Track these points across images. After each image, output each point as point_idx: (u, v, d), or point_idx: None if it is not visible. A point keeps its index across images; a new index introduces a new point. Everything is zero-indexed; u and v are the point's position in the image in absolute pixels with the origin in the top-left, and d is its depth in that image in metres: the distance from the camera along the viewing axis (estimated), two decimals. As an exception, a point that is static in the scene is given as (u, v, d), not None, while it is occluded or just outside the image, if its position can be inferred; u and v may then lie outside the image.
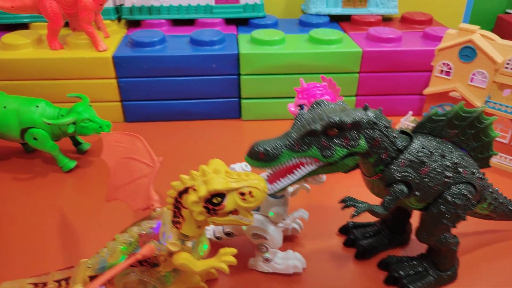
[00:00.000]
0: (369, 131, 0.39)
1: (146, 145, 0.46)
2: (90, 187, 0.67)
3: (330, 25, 0.93)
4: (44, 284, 0.42)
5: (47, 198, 0.64)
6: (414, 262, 0.49)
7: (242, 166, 0.45)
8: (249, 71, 0.80)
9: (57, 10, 0.75)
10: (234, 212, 0.37)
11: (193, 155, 0.75)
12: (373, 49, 0.80)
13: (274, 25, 0.93)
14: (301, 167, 0.39)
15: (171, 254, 0.38)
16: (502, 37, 0.70)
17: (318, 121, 0.38)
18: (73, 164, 0.70)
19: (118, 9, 0.93)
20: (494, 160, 0.69)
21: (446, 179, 0.41)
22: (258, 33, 0.83)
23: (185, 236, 0.38)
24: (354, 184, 0.52)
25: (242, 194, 0.36)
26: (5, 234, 0.57)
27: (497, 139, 0.68)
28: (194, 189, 0.36)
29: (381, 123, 0.39)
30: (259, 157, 0.37)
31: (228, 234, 0.50)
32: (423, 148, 0.41)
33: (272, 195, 0.42)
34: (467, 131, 0.42)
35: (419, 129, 0.43)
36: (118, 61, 0.78)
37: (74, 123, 0.65)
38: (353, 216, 0.40)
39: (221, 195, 0.36)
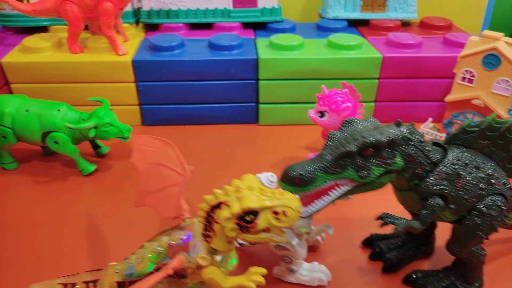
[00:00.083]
0: (404, 148, 0.38)
1: (178, 153, 0.45)
2: (110, 191, 0.67)
3: (348, 30, 0.93)
4: (73, 285, 0.42)
5: (68, 201, 0.65)
6: (440, 275, 0.48)
7: (268, 177, 0.45)
8: (267, 76, 0.80)
9: (78, 14, 0.76)
10: (266, 229, 0.36)
11: (210, 159, 0.75)
12: (393, 55, 0.79)
13: (292, 29, 0.93)
14: (336, 188, 0.38)
15: (199, 267, 0.38)
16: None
17: (352, 141, 0.37)
18: (92, 167, 0.70)
19: (136, 13, 0.93)
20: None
21: (480, 191, 0.41)
22: (277, 38, 0.82)
23: (214, 250, 0.38)
24: (375, 193, 0.51)
25: (276, 213, 0.35)
26: (29, 236, 0.58)
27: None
28: (227, 205, 0.35)
29: (415, 138, 0.39)
30: (294, 182, 0.36)
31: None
32: (458, 160, 0.40)
33: None
34: (497, 141, 0.42)
35: (452, 140, 0.43)
36: (138, 65, 0.78)
37: (95, 127, 0.66)
38: (395, 233, 0.39)
39: (254, 213, 0.35)
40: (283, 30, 0.92)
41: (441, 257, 0.54)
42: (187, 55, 0.80)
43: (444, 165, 0.40)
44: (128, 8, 0.90)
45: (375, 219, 0.41)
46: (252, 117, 0.86)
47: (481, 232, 0.42)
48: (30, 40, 0.80)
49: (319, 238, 0.52)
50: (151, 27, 0.94)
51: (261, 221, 0.35)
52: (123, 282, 0.40)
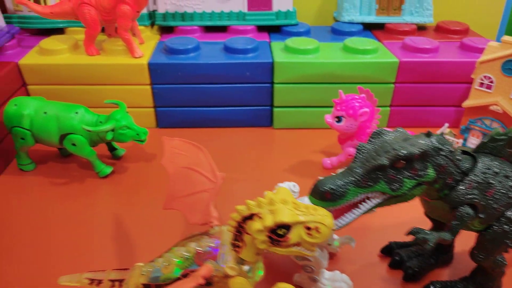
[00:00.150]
0: (436, 158, 0.38)
1: (210, 159, 0.45)
2: (126, 193, 0.67)
3: (363, 34, 0.92)
4: (100, 281, 0.42)
5: (85, 203, 0.65)
6: (459, 286, 0.47)
7: (290, 186, 0.45)
8: (282, 79, 0.80)
9: (95, 16, 0.76)
10: (297, 244, 0.36)
11: (224, 162, 0.75)
12: (410, 60, 0.78)
13: (307, 33, 0.93)
14: (366, 201, 0.38)
15: (227, 276, 0.38)
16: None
17: (383, 154, 0.37)
18: (109, 170, 0.70)
19: (151, 15, 0.93)
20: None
21: (509, 200, 0.40)
22: (292, 42, 0.82)
23: (242, 260, 0.38)
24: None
25: (308, 228, 0.35)
26: (47, 236, 0.58)
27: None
28: (260, 217, 0.35)
29: (446, 148, 0.38)
30: (325, 197, 0.36)
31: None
32: (488, 169, 0.40)
33: None
34: None
35: (481, 149, 0.42)
36: (153, 68, 0.78)
37: (112, 130, 0.66)
38: (427, 248, 0.39)
39: (287, 227, 0.35)
40: (298, 34, 0.91)
41: (460, 264, 0.53)
42: (202, 58, 0.80)
43: (475, 174, 0.40)
44: (144, 10, 0.90)
45: (406, 234, 0.40)
46: (266, 121, 0.86)
47: (508, 240, 0.42)
48: (47, 42, 0.81)
49: (334, 246, 0.52)
50: (166, 30, 0.94)
51: (293, 235, 0.35)
52: (149, 284, 0.40)
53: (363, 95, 0.67)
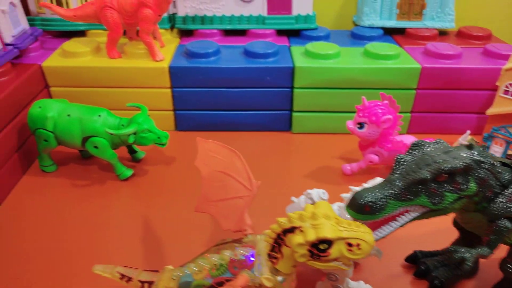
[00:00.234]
0: (477, 172, 0.37)
1: (246, 165, 0.44)
2: (147, 196, 0.68)
3: (383, 39, 0.91)
4: (130, 278, 0.43)
5: (106, 205, 0.66)
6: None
7: (320, 194, 0.44)
8: (303, 84, 0.80)
9: (117, 20, 0.77)
10: (336, 259, 0.36)
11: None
12: (432, 66, 0.78)
13: (326, 37, 0.92)
14: (405, 214, 0.37)
15: (261, 286, 0.38)
16: None
17: (424, 167, 0.36)
18: (130, 172, 0.71)
19: (171, 18, 0.94)
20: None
21: None
22: (312, 46, 0.82)
23: (277, 271, 0.38)
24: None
25: (350, 245, 0.35)
26: (67, 237, 0.59)
27: None
28: (302, 231, 0.35)
29: (487, 161, 0.38)
30: (364, 210, 0.36)
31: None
32: None
33: None
34: None
35: None
36: (174, 71, 0.79)
37: (134, 133, 0.66)
38: (466, 268, 0.38)
39: (328, 242, 0.35)
40: (318, 38, 0.91)
41: (485, 275, 0.52)
42: (223, 62, 0.80)
43: None
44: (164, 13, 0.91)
45: (443, 254, 0.40)
46: (285, 125, 0.86)
47: None
48: (70, 45, 0.82)
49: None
50: (185, 33, 0.94)
51: (334, 251, 0.35)
52: None
53: (386, 101, 0.66)
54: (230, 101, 0.83)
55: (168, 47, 0.86)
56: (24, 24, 0.82)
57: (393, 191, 0.36)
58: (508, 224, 0.39)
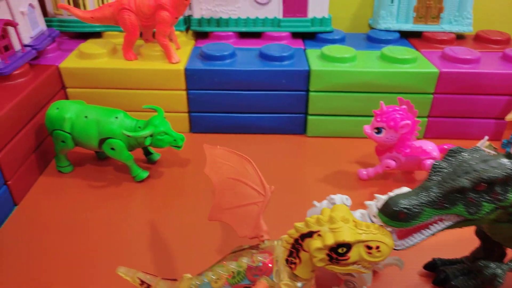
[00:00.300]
0: None
1: (257, 171, 0.44)
2: (162, 198, 0.68)
3: (400, 42, 0.91)
4: (149, 286, 0.43)
5: (121, 206, 0.66)
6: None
7: (343, 200, 0.44)
8: (318, 88, 0.79)
9: (135, 22, 0.77)
10: (355, 262, 0.35)
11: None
12: (451, 70, 0.77)
13: (342, 40, 0.92)
14: (438, 222, 0.37)
15: None
16: None
17: (463, 175, 0.35)
18: (145, 174, 0.71)
19: (186, 20, 0.94)
20: None
21: None
22: (328, 50, 0.81)
23: (296, 277, 0.37)
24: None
25: (369, 247, 0.35)
26: (84, 238, 0.59)
27: None
28: (319, 235, 0.35)
29: None
30: (398, 216, 0.35)
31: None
32: None
33: None
34: None
35: None
36: (190, 74, 0.79)
37: (151, 135, 0.67)
38: (497, 285, 0.38)
39: (347, 245, 0.34)
40: (333, 41, 0.91)
41: (506, 285, 0.51)
42: (238, 64, 0.80)
43: None
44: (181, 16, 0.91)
45: (462, 263, 0.39)
46: (300, 128, 0.85)
47: None
48: (87, 46, 0.83)
49: (381, 266, 0.51)
50: (200, 35, 0.94)
51: (353, 254, 0.35)
52: None
53: (404, 106, 0.65)
54: (245, 103, 0.82)
55: (183, 49, 0.86)
56: (42, 25, 0.83)
57: (430, 199, 0.35)
58: None
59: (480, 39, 0.92)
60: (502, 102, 0.79)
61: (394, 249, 0.37)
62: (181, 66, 0.79)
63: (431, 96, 0.79)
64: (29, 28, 0.78)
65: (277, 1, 0.90)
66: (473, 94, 0.79)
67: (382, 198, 0.44)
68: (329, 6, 0.91)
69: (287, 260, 0.38)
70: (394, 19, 0.93)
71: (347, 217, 0.35)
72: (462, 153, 0.37)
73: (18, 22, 0.73)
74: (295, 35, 0.94)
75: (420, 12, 0.92)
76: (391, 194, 0.43)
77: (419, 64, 0.79)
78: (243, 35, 0.94)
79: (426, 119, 0.82)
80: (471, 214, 0.36)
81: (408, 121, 0.63)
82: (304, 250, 0.36)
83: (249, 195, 0.44)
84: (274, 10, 0.91)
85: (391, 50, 0.81)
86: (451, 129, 0.82)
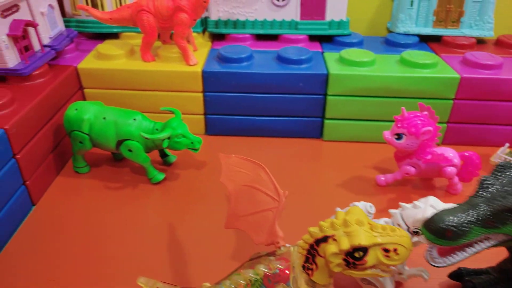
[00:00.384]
0: None
1: (271, 177, 0.44)
2: (178, 201, 0.68)
3: (419, 46, 0.89)
4: None
5: (137, 208, 0.66)
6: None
7: (367, 207, 0.43)
8: (336, 91, 0.79)
9: (153, 23, 0.77)
10: (373, 266, 0.35)
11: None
12: (472, 76, 0.75)
13: (359, 43, 0.91)
14: (484, 240, 0.35)
15: None
16: None
17: None
18: (162, 176, 0.71)
19: (203, 22, 0.94)
20: None
21: None
22: (347, 53, 0.81)
23: (313, 283, 0.37)
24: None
25: (386, 250, 0.33)
26: (99, 239, 0.59)
27: None
28: (335, 240, 0.34)
29: None
30: (445, 235, 0.33)
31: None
32: None
33: None
34: None
35: None
36: (207, 76, 0.79)
37: (168, 138, 0.66)
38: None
39: (364, 249, 0.33)
40: (351, 44, 0.90)
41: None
42: (256, 67, 0.79)
43: None
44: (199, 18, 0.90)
45: (500, 279, 0.37)
46: (316, 132, 0.84)
47: None
48: (105, 47, 0.83)
49: (405, 277, 0.50)
50: (217, 37, 0.94)
51: (370, 258, 0.34)
52: None
53: (425, 112, 0.64)
54: (261, 106, 0.82)
55: (200, 51, 0.86)
56: (60, 25, 0.83)
57: (479, 217, 0.34)
58: None
59: (501, 44, 0.90)
60: (524, 108, 0.77)
61: (434, 265, 0.35)
62: (198, 68, 0.79)
63: (451, 101, 0.78)
64: (48, 29, 0.78)
65: (294, 3, 0.89)
66: (494, 100, 0.78)
67: (407, 206, 0.43)
68: (347, 9, 0.90)
69: (303, 266, 0.37)
70: (413, 23, 0.92)
71: (362, 220, 0.34)
72: (511, 169, 0.36)
73: (38, 23, 0.74)
74: (312, 38, 0.93)
75: (440, 16, 0.90)
76: (417, 203, 0.42)
77: (440, 69, 0.78)
78: (260, 37, 0.93)
79: (445, 125, 0.80)
80: None
81: (430, 128, 0.62)
82: (320, 256, 0.35)
83: (264, 202, 0.43)
84: (292, 12, 0.90)
85: (411, 54, 0.80)
86: (470, 136, 0.81)
